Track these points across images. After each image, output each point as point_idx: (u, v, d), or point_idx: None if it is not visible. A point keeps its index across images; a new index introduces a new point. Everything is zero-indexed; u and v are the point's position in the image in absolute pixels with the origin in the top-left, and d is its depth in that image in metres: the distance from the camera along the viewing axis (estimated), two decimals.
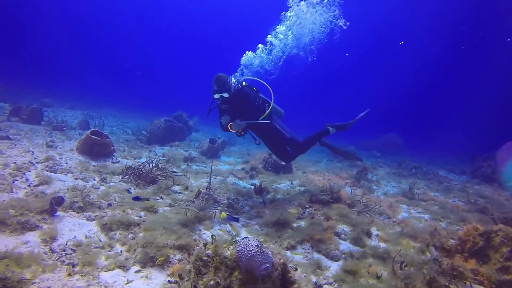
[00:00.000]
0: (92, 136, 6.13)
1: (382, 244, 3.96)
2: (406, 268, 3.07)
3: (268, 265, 1.93)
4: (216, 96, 4.51)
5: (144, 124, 12.99)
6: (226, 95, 4.49)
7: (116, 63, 44.36)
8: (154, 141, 9.81)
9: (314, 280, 3.00)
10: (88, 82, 28.80)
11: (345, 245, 3.81)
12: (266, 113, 4.69)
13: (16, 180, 4.31)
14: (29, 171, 4.67)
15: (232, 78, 4.73)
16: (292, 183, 6.70)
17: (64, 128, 9.19)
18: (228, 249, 2.09)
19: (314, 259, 3.43)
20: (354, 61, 40.21)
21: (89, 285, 2.19)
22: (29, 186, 4.24)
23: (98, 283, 2.27)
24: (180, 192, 4.91)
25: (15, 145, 5.72)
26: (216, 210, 3.65)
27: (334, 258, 3.53)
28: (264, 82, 4.87)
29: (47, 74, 28.34)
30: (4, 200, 3.41)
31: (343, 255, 3.57)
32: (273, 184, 6.51)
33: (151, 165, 5.54)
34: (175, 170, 6.21)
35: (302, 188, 6.09)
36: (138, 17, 44.63)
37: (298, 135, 5.12)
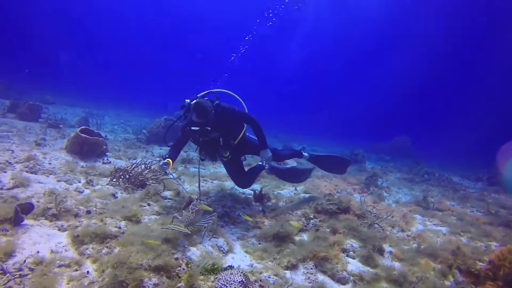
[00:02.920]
0: (82, 135, 5.72)
1: (397, 264, 3.44)
2: None
3: None
4: (194, 128, 3.74)
5: (146, 123, 12.60)
6: (208, 128, 3.76)
7: (125, 60, 44.13)
8: (153, 140, 9.40)
9: None
10: (95, 80, 28.60)
11: (354, 265, 3.31)
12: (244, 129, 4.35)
13: None
14: (5, 172, 4.26)
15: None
16: (296, 189, 6.21)
17: (60, 126, 8.86)
18: (206, 281, 1.62)
19: (318, 281, 2.93)
20: (359, 61, 39.48)
21: None
22: (1, 188, 3.83)
23: None
24: (170, 198, 4.46)
25: None
26: (208, 223, 3.17)
27: (341, 281, 3.03)
28: (233, 93, 4.39)
29: (54, 71, 28.22)
30: None
31: (351, 278, 3.07)
32: (276, 189, 6.03)
33: (142, 166, 5.11)
34: (169, 172, 5.77)
35: (307, 195, 5.59)
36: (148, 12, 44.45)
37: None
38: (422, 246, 3.83)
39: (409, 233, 4.45)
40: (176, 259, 2.53)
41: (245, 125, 4.36)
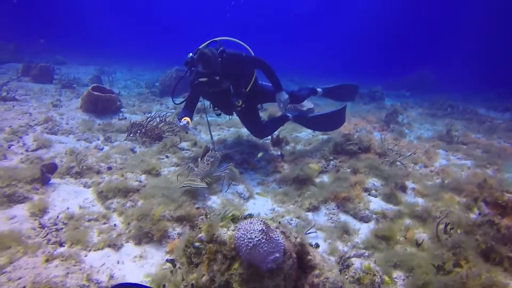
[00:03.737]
0: (94, 93, 5.67)
1: (420, 200, 3.41)
2: (452, 232, 2.54)
3: (278, 254, 1.45)
4: (202, 80, 3.50)
5: (159, 76, 12.38)
6: (216, 77, 3.52)
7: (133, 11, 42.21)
8: (167, 92, 9.26)
9: (341, 247, 2.57)
10: (103, 36, 27.80)
11: (376, 203, 3.30)
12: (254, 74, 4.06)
13: (12, 145, 4.01)
14: (27, 135, 4.34)
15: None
16: (314, 131, 6.09)
17: (74, 86, 8.83)
18: (227, 230, 1.62)
19: (341, 221, 2.96)
20: None
21: (68, 273, 1.84)
22: (26, 151, 3.93)
23: (80, 269, 1.91)
24: (187, 149, 4.47)
25: (14, 106, 5.39)
26: (224, 173, 3.17)
27: (364, 219, 3.05)
28: (239, 41, 4.03)
29: (60, 29, 27.55)
30: None
31: (374, 215, 3.08)
32: (293, 133, 5.92)
33: (157, 119, 5.08)
34: (191, 128, 5.75)
35: (326, 137, 5.48)
36: None
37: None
38: (446, 181, 3.74)
39: (432, 168, 4.35)
40: (198, 208, 2.58)
41: (255, 72, 4.09)
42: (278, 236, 1.50)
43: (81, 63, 15.00)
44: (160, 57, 20.47)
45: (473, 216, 2.93)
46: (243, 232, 1.45)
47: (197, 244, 1.61)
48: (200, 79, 3.52)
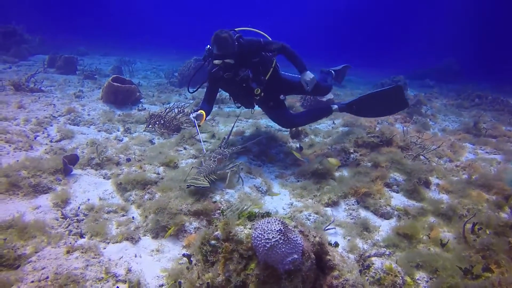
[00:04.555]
0: (114, 84, 5.74)
1: (445, 196, 3.27)
2: (480, 232, 2.42)
3: (296, 256, 1.40)
4: (217, 62, 3.40)
5: (178, 66, 12.42)
6: (231, 61, 3.38)
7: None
8: (185, 83, 9.30)
9: (361, 245, 2.49)
10: (123, 27, 28.19)
11: (398, 199, 3.19)
12: (274, 61, 3.85)
13: (38, 136, 4.12)
14: (51, 125, 4.46)
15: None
16: (334, 122, 5.94)
17: (96, 76, 9.00)
18: (244, 228, 1.58)
19: (361, 217, 2.88)
20: None
21: (87, 265, 1.87)
22: (50, 141, 4.04)
23: (99, 262, 1.94)
24: (205, 141, 4.47)
25: (40, 98, 5.54)
26: (232, 170, 3.09)
27: (385, 216, 2.95)
28: (258, 31, 3.84)
29: (84, 20, 28.10)
30: (18, 160, 3.18)
31: (396, 212, 2.98)
32: (313, 124, 5.80)
33: (175, 110, 5.10)
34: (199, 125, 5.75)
35: (346, 129, 5.34)
36: None
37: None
38: (473, 177, 3.57)
39: (458, 163, 4.16)
40: (215, 202, 2.56)
41: (275, 60, 3.92)
42: (296, 236, 1.45)
43: (102, 54, 15.28)
44: (180, 48, 20.53)
45: (504, 215, 2.78)
46: (260, 232, 1.41)
47: (213, 242, 1.59)
48: (215, 61, 3.42)
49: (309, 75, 3.73)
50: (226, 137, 3.75)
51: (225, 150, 3.28)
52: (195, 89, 3.99)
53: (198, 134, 3.42)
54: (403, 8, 36.20)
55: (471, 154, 4.63)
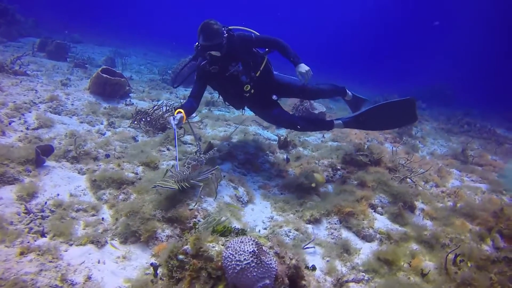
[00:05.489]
0: (103, 75, 5.56)
1: (429, 222, 3.20)
2: (462, 265, 2.34)
3: (268, 281, 1.29)
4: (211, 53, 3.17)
5: (173, 63, 12.23)
6: (217, 53, 3.18)
7: None
8: (179, 81, 9.15)
9: (340, 267, 2.39)
10: (123, 18, 27.85)
11: (381, 222, 3.11)
12: (266, 59, 3.61)
13: (13, 121, 3.91)
14: (30, 112, 4.24)
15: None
16: (324, 136, 5.89)
17: (87, 66, 8.75)
18: (216, 244, 1.46)
19: (342, 238, 2.78)
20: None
21: (41, 270, 1.71)
22: (27, 129, 3.83)
23: (56, 266, 1.78)
24: (190, 143, 4.33)
25: (21, 82, 5.30)
26: (208, 178, 2.83)
27: (367, 238, 2.86)
28: (250, 29, 3.57)
29: (82, 7, 27.62)
30: None
31: (378, 235, 2.89)
32: (302, 136, 5.72)
33: (164, 108, 4.95)
34: (194, 115, 5.61)
35: (335, 144, 5.28)
36: None
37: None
38: (458, 205, 3.52)
39: (444, 189, 4.12)
40: (191, 210, 2.42)
41: (266, 57, 3.68)
42: (270, 260, 1.33)
43: (97, 43, 14.98)
44: (177, 46, 20.33)
45: (486, 248, 2.72)
46: (231, 252, 1.29)
47: (181, 256, 1.45)
48: (202, 46, 3.17)
49: (304, 67, 3.37)
50: (198, 143, 3.50)
51: (201, 156, 3.04)
52: (179, 84, 3.77)
53: (175, 144, 3.03)
54: (402, 25, 36.85)
55: (457, 181, 4.61)
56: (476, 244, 2.75)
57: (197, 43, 3.28)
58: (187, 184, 2.54)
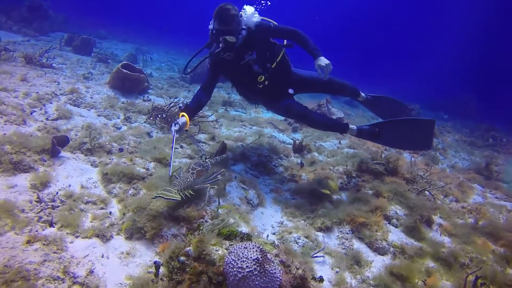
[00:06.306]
0: (123, 70, 5.63)
1: (447, 239, 3.04)
2: None
3: None
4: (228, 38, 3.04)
5: (193, 62, 12.32)
6: (232, 39, 3.03)
7: None
8: (196, 80, 9.18)
9: (349, 279, 2.28)
10: (150, 17, 28.42)
11: (396, 234, 2.97)
12: (283, 51, 3.46)
13: (35, 111, 4.00)
14: (51, 103, 4.33)
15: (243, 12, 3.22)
16: (340, 142, 5.74)
17: (109, 61, 8.93)
18: (220, 248, 1.40)
19: (353, 249, 2.67)
20: None
21: (45, 260, 1.70)
22: (46, 119, 3.91)
23: (60, 258, 1.76)
24: (204, 142, 4.30)
25: (46, 74, 5.44)
26: (214, 182, 2.69)
27: (379, 251, 2.74)
28: (271, 20, 3.46)
29: (112, 6, 28.40)
30: (5, 134, 3.05)
31: (392, 248, 2.76)
32: (318, 141, 5.61)
33: (181, 105, 4.94)
34: (210, 114, 5.60)
35: (351, 151, 5.14)
36: None
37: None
38: (480, 222, 3.33)
39: (465, 204, 3.91)
40: (199, 210, 2.37)
41: (284, 50, 3.53)
42: (274, 269, 1.26)
43: (121, 40, 15.32)
44: (198, 45, 20.48)
45: (511, 272, 2.54)
46: (234, 258, 1.22)
47: (182, 258, 1.40)
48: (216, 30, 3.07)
49: (324, 60, 3.19)
50: (200, 148, 3.38)
51: (206, 160, 2.88)
52: (190, 71, 3.67)
53: (172, 151, 2.74)
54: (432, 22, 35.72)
55: (479, 197, 4.38)
56: (499, 267, 2.58)
57: (211, 29, 3.18)
58: (191, 192, 2.42)
